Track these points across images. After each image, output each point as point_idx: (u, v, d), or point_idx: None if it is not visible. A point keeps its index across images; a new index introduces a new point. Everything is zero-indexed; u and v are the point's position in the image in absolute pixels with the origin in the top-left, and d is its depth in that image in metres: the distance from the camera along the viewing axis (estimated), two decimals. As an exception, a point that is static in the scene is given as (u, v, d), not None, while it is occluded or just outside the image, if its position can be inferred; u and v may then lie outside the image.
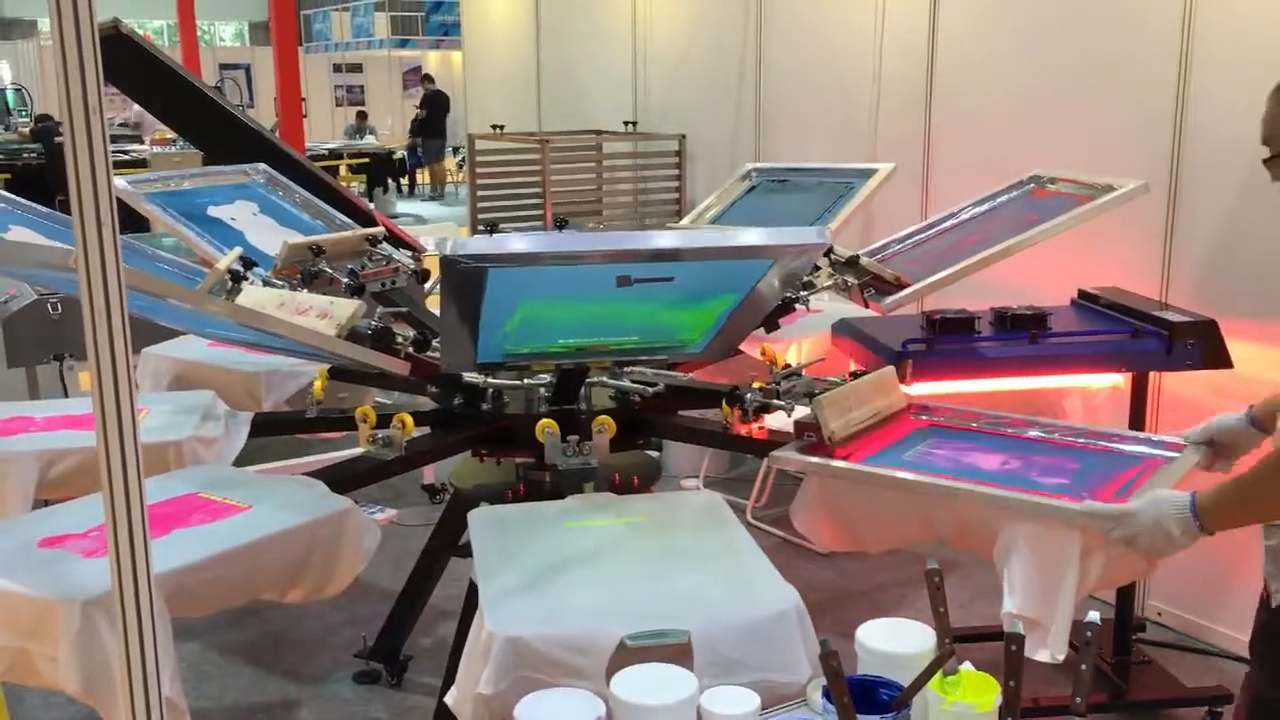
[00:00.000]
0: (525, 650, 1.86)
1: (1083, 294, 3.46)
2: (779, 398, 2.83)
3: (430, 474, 4.96)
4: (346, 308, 2.72)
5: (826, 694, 1.51)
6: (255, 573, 2.32)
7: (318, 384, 3.12)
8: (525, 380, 3.01)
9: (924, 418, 2.82)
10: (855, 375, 2.94)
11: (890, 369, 2.82)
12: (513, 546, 2.23)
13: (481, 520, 2.39)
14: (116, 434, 1.37)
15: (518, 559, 2.17)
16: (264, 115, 13.94)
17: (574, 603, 2.00)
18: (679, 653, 1.82)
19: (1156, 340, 3.03)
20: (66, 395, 4.31)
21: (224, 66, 21.80)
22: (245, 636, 3.79)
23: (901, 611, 3.76)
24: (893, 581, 4.07)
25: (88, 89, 1.28)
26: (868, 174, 3.70)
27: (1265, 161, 2.02)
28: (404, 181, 17.85)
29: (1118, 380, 3.20)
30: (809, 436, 2.63)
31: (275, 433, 3.33)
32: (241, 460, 3.02)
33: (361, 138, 17.47)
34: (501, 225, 5.00)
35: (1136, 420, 3.21)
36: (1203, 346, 2.98)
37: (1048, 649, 2.20)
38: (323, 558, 2.43)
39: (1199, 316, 3.10)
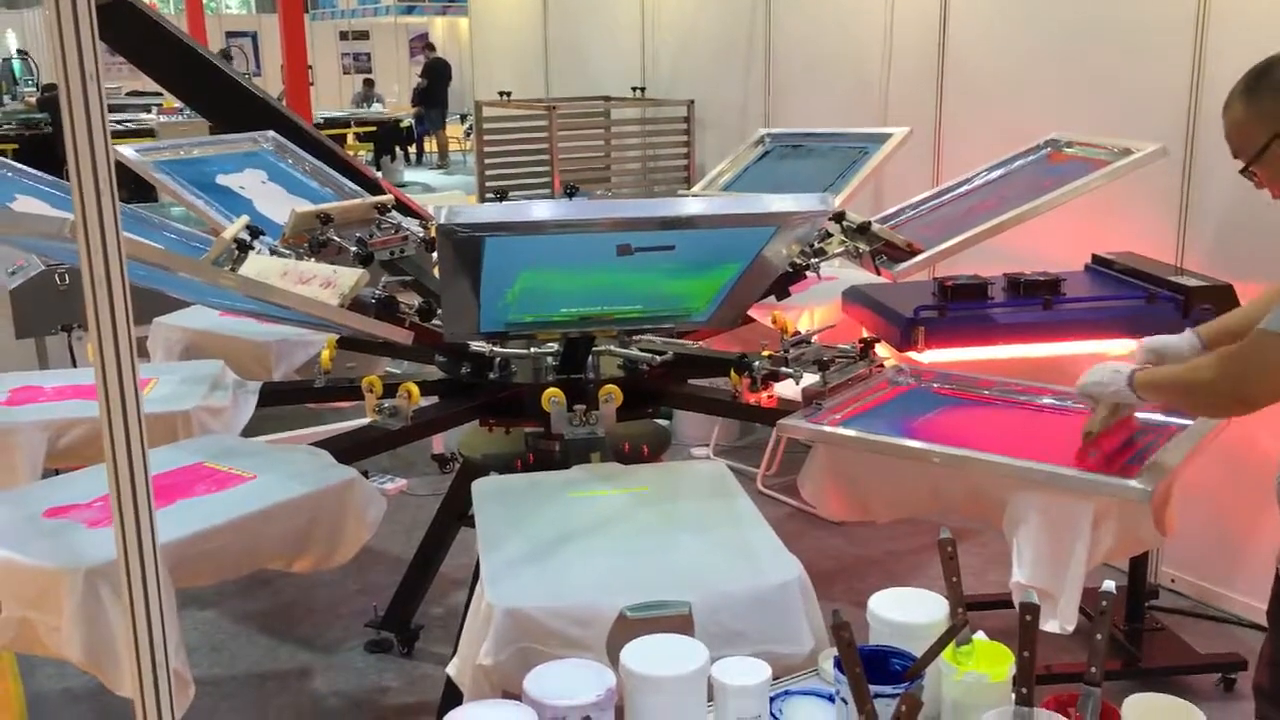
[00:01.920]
0: (525, 621, 1.85)
1: (1096, 259, 3.42)
2: (787, 365, 2.81)
3: (440, 444, 4.96)
4: (350, 277, 2.70)
5: (838, 664, 1.50)
6: (260, 542, 2.32)
7: (325, 354, 3.11)
8: (532, 349, 2.99)
9: (933, 384, 2.80)
10: (865, 343, 2.92)
11: None
12: (515, 517, 2.22)
13: (485, 490, 2.38)
14: (119, 403, 1.36)
15: (520, 530, 2.16)
16: (270, 83, 13.88)
17: (575, 574, 2.00)
18: (680, 624, 1.81)
19: (1171, 305, 3.00)
20: (75, 366, 4.31)
21: (230, 34, 21.66)
22: (258, 605, 3.80)
23: (915, 579, 3.76)
24: (906, 549, 4.06)
25: (84, 56, 1.25)
26: (882, 139, 3.66)
27: (1241, 172, 2.03)
28: (411, 150, 17.77)
29: (1132, 346, 3.17)
30: (817, 404, 2.62)
31: (283, 402, 3.32)
32: (251, 430, 3.02)
33: (369, 106, 17.39)
34: (510, 193, 4.96)
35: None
36: (1218, 311, 2.92)
37: (1057, 619, 2.19)
38: (328, 528, 2.42)
39: (1215, 281, 3.07)
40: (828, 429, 2.50)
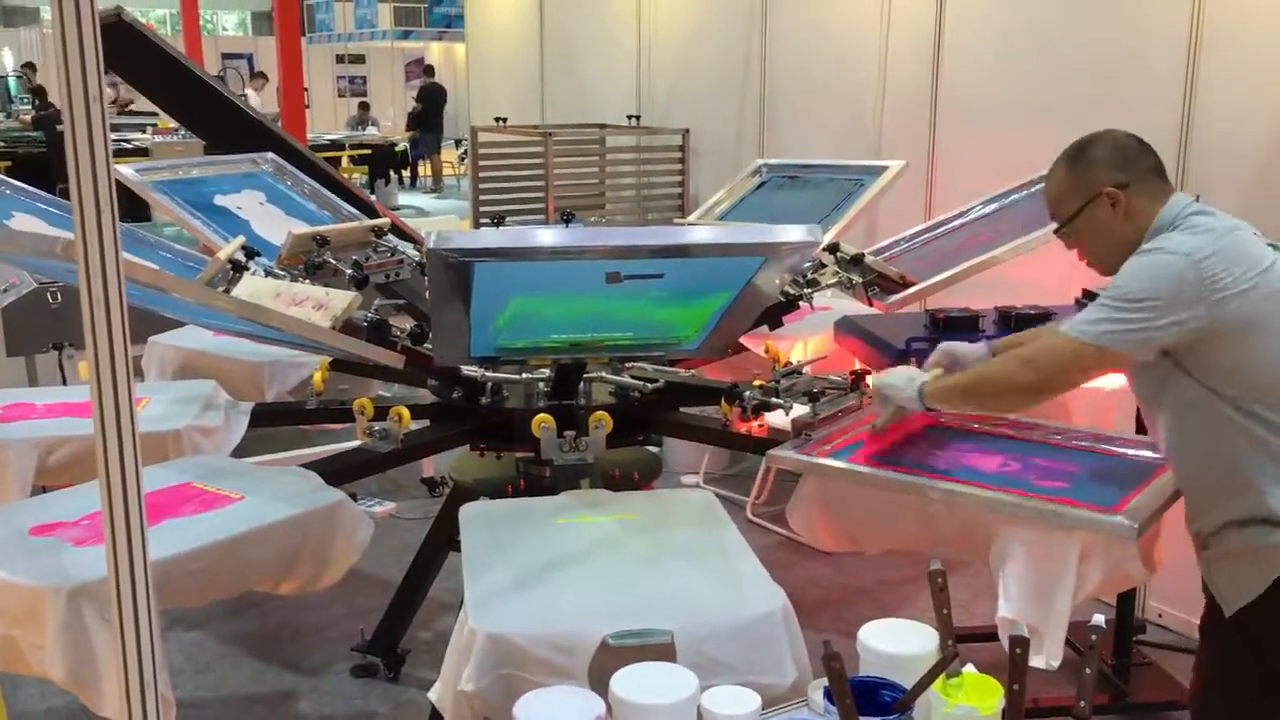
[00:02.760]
0: (507, 647, 1.85)
1: (1087, 293, 3.43)
2: (778, 396, 2.81)
3: (430, 467, 4.95)
4: (342, 299, 2.71)
5: (828, 695, 1.50)
6: (246, 564, 2.32)
7: (318, 375, 3.11)
8: (524, 374, 2.99)
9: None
10: (855, 375, 2.93)
11: None
12: (501, 542, 2.22)
13: (471, 515, 2.38)
14: (114, 423, 1.36)
15: (505, 555, 2.16)
16: (266, 105, 13.92)
17: (559, 601, 2.00)
18: (663, 652, 1.81)
19: (1160, 340, 3.00)
20: (65, 384, 4.30)
21: (226, 56, 21.76)
22: (244, 628, 3.78)
23: (904, 610, 3.75)
24: (895, 579, 4.06)
25: (88, 77, 1.26)
26: (878, 171, 3.68)
27: (1056, 233, 2.22)
28: (405, 174, 17.80)
29: (1123, 380, 3.18)
30: (806, 435, 2.63)
31: (275, 424, 3.32)
32: (243, 451, 3.01)
33: (364, 129, 17.43)
34: (507, 219, 4.97)
35: (1142, 419, 3.19)
36: (1207, 348, 2.96)
37: (1043, 655, 2.19)
38: (315, 550, 2.42)
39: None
40: (816, 460, 2.51)
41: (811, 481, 2.54)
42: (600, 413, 2.67)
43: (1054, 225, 2.46)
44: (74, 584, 1.97)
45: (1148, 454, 2.52)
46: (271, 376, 3.52)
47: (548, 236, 2.48)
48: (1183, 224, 2.06)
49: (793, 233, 2.23)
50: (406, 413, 2.76)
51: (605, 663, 1.78)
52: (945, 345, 2.55)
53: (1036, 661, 2.18)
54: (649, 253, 2.21)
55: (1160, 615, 3.74)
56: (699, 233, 2.51)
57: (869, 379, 2.52)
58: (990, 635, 2.34)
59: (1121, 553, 2.22)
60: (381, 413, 2.77)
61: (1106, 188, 2.11)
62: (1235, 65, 3.41)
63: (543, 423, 2.64)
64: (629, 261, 2.19)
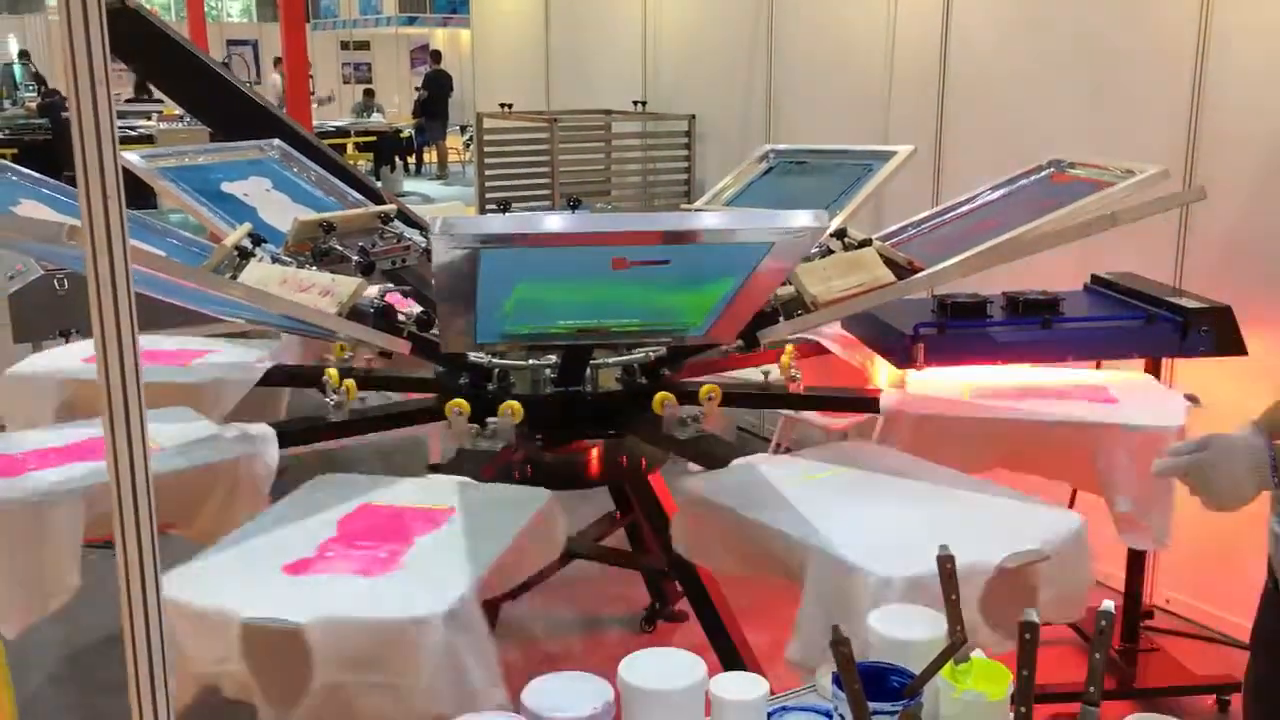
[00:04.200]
0: (173, 614, 1.84)
1: (1095, 279, 3.43)
2: None
3: (437, 454, 4.95)
4: (348, 285, 2.70)
5: (837, 680, 1.50)
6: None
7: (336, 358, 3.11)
8: (531, 360, 2.99)
9: None
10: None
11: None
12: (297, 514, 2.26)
13: (313, 484, 2.44)
14: (122, 411, 1.35)
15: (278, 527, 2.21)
16: (270, 91, 13.90)
17: (262, 578, 2.00)
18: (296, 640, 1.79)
19: (1170, 326, 3.01)
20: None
21: (231, 42, 21.76)
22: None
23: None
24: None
25: (94, 63, 1.25)
26: (886, 156, 3.66)
27: None
28: (411, 160, 17.79)
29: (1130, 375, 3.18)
30: (798, 313, 2.72)
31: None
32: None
33: (369, 116, 17.42)
34: (512, 205, 4.96)
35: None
36: (1217, 333, 2.95)
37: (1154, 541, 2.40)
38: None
39: (1214, 302, 3.07)
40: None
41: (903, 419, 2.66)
42: (510, 403, 2.70)
43: (1065, 209, 2.44)
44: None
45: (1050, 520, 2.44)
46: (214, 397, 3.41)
47: (554, 222, 2.47)
48: None
49: (801, 218, 2.22)
50: (353, 384, 2.81)
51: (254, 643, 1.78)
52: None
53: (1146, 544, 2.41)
54: (656, 238, 2.20)
55: (1168, 601, 3.74)
56: (707, 218, 2.49)
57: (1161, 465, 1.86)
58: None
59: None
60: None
61: None
62: (1245, 53, 3.39)
63: (455, 407, 2.68)
64: (636, 247, 2.18)
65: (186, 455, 2.47)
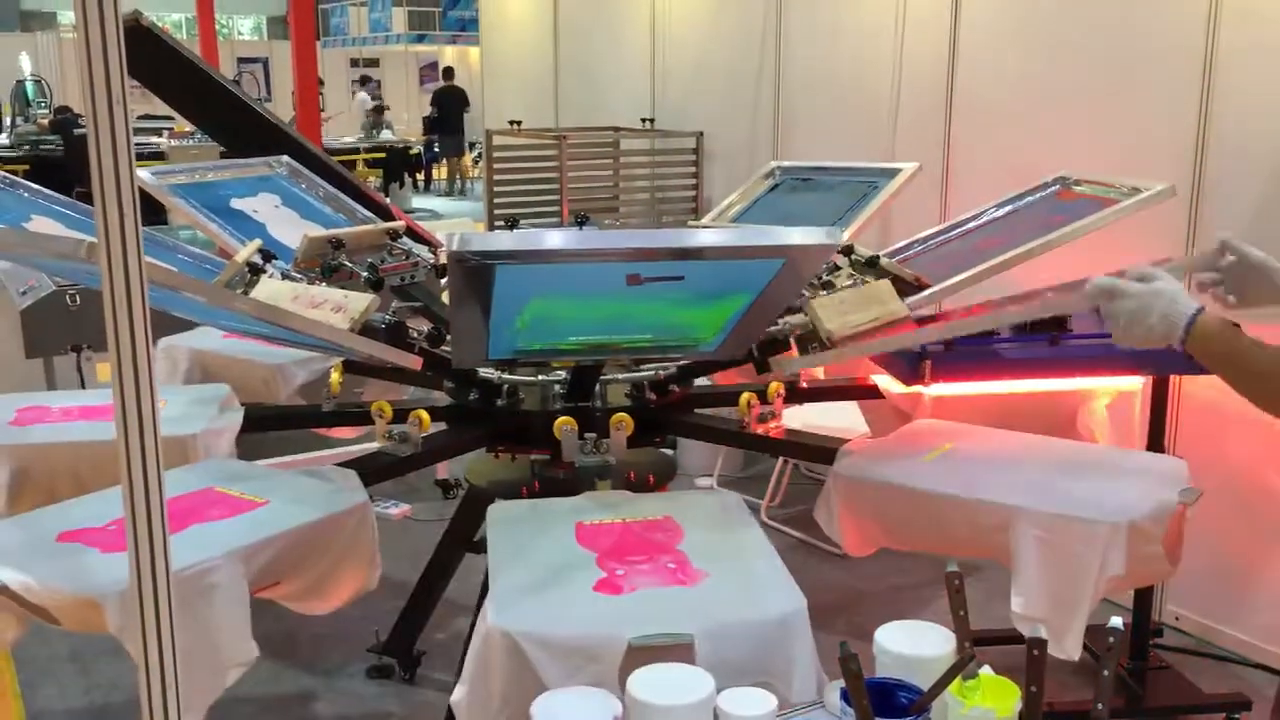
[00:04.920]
0: (528, 648, 1.86)
1: (1103, 296, 3.43)
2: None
3: (444, 469, 4.96)
4: (360, 301, 2.72)
5: (845, 696, 1.50)
6: (270, 570, 2.34)
7: (334, 378, 3.12)
8: (541, 376, 3.00)
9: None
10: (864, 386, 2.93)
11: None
12: (526, 542, 2.23)
13: (498, 516, 2.39)
14: (137, 426, 1.37)
15: (529, 556, 2.17)
16: (281, 109, 13.98)
17: (583, 601, 2.00)
18: (682, 654, 1.81)
19: (1177, 343, 3.00)
20: (84, 386, 4.33)
21: (242, 60, 21.86)
22: (260, 629, 3.77)
23: (917, 613, 3.74)
24: (908, 583, 4.06)
25: (111, 81, 1.27)
26: (892, 173, 3.68)
27: None
28: (420, 176, 17.86)
29: (1136, 385, 3.18)
30: (813, 347, 2.64)
31: (291, 427, 3.33)
32: (258, 453, 3.02)
33: (378, 132, 17.49)
34: (520, 222, 4.99)
35: (1156, 424, 3.19)
36: (1224, 350, 2.95)
37: (1061, 647, 2.20)
38: (337, 555, 2.44)
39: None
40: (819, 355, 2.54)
41: (839, 483, 2.56)
42: (621, 414, 2.68)
43: (1071, 226, 2.43)
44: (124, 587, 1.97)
45: (1168, 465, 2.52)
46: (284, 377, 3.54)
47: (568, 239, 2.49)
48: None
49: (814, 235, 2.24)
50: (426, 416, 2.78)
51: (634, 665, 1.78)
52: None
53: (1055, 651, 2.18)
54: (671, 255, 2.22)
55: (1177, 619, 3.73)
56: (721, 235, 2.52)
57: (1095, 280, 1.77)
58: (1007, 638, 2.34)
59: (1144, 550, 2.22)
60: (400, 415, 2.78)
61: None
62: (1252, 67, 3.39)
63: (564, 425, 2.65)
64: (650, 264, 2.20)
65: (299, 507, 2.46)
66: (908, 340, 2.76)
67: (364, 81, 20.02)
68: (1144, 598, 3.31)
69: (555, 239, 2.61)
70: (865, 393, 3.27)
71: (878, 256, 3.16)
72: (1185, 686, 3.28)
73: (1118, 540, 2.22)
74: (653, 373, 3.01)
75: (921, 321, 2.83)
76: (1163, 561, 2.29)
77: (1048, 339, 3.04)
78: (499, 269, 2.12)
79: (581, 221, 3.75)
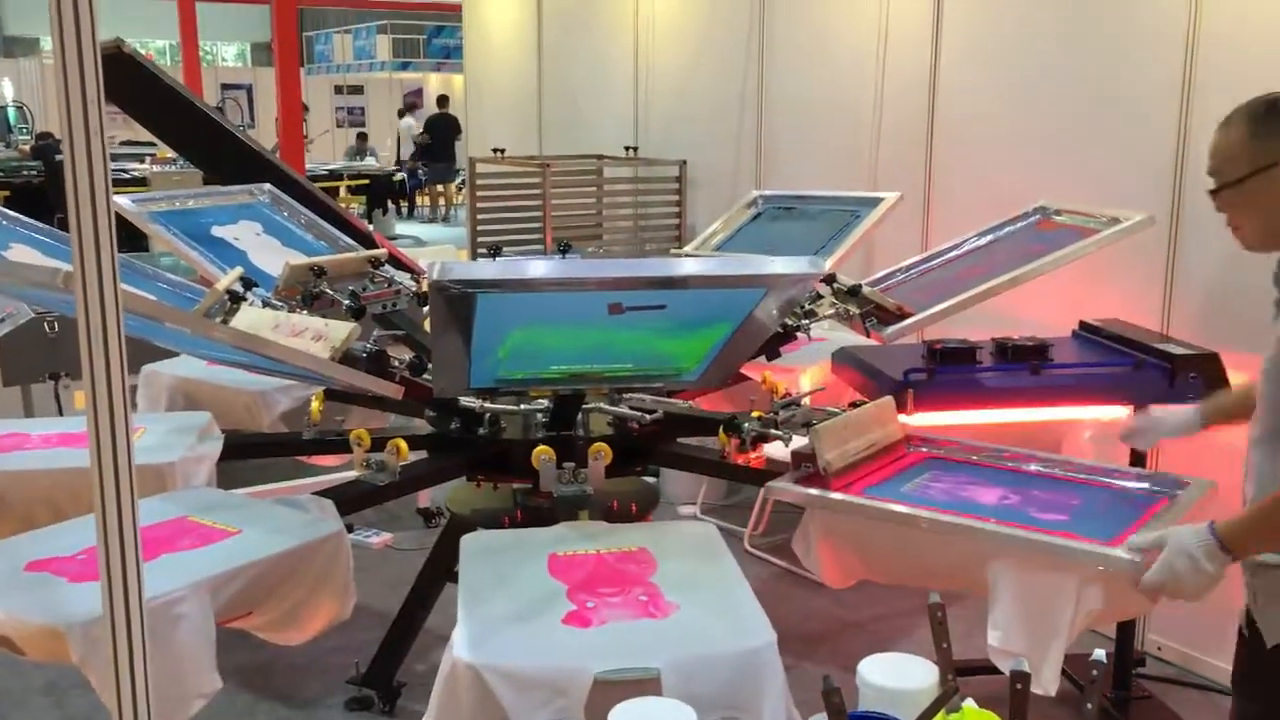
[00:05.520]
0: (496, 681, 1.84)
1: (1084, 325, 3.44)
2: (777, 427, 2.81)
3: (425, 498, 4.93)
4: (341, 330, 2.71)
5: (827, 730, 1.49)
6: (242, 600, 2.31)
7: (315, 405, 3.11)
8: (522, 405, 2.99)
9: (923, 449, 2.81)
10: (855, 406, 2.93)
11: (889, 400, 2.80)
12: (499, 574, 2.21)
13: (472, 546, 2.37)
14: (111, 455, 1.36)
15: (502, 587, 2.15)
16: (265, 136, 13.99)
17: (551, 634, 1.98)
18: (650, 688, 1.80)
19: (1158, 372, 3.02)
20: (61, 414, 4.29)
21: (225, 86, 21.89)
22: (236, 660, 3.74)
23: (901, 643, 3.74)
24: (892, 613, 4.04)
25: (89, 109, 1.27)
26: (873, 203, 3.70)
27: (1211, 193, 2.01)
28: (403, 203, 17.87)
29: (1119, 414, 3.18)
30: (806, 467, 2.62)
31: (271, 454, 3.31)
32: (236, 481, 3.00)
33: (362, 159, 17.50)
34: (503, 249, 4.99)
35: (1138, 454, 3.19)
36: (1205, 379, 2.96)
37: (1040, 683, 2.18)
38: (312, 586, 2.42)
39: (1201, 349, 3.08)
40: (815, 493, 2.51)
41: (817, 516, 2.54)
42: (600, 444, 2.66)
43: (1051, 256, 2.43)
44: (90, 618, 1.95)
45: (1147, 485, 2.52)
46: (267, 404, 3.52)
47: (551, 268, 2.49)
48: None
49: (796, 264, 2.24)
50: (404, 445, 2.76)
51: (600, 699, 1.77)
52: (1156, 411, 2.44)
53: (1032, 685, 2.16)
54: (653, 284, 2.22)
55: (1160, 648, 3.72)
56: (702, 264, 2.52)
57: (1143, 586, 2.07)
58: (988, 669, 2.33)
59: (1122, 586, 2.21)
60: (379, 444, 2.77)
61: None
62: (1229, 98, 3.42)
63: (542, 454, 2.64)
64: (632, 293, 2.20)
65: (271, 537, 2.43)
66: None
67: (411, 109, 20.07)
68: (1126, 628, 3.30)
69: (537, 268, 2.61)
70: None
71: (860, 285, 3.17)
72: (1168, 716, 3.28)
73: (1095, 576, 2.21)
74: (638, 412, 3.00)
75: (910, 438, 2.82)
76: (1139, 596, 2.28)
77: (1029, 368, 3.05)
78: (480, 298, 2.12)
79: (564, 250, 3.76)
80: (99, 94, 1.25)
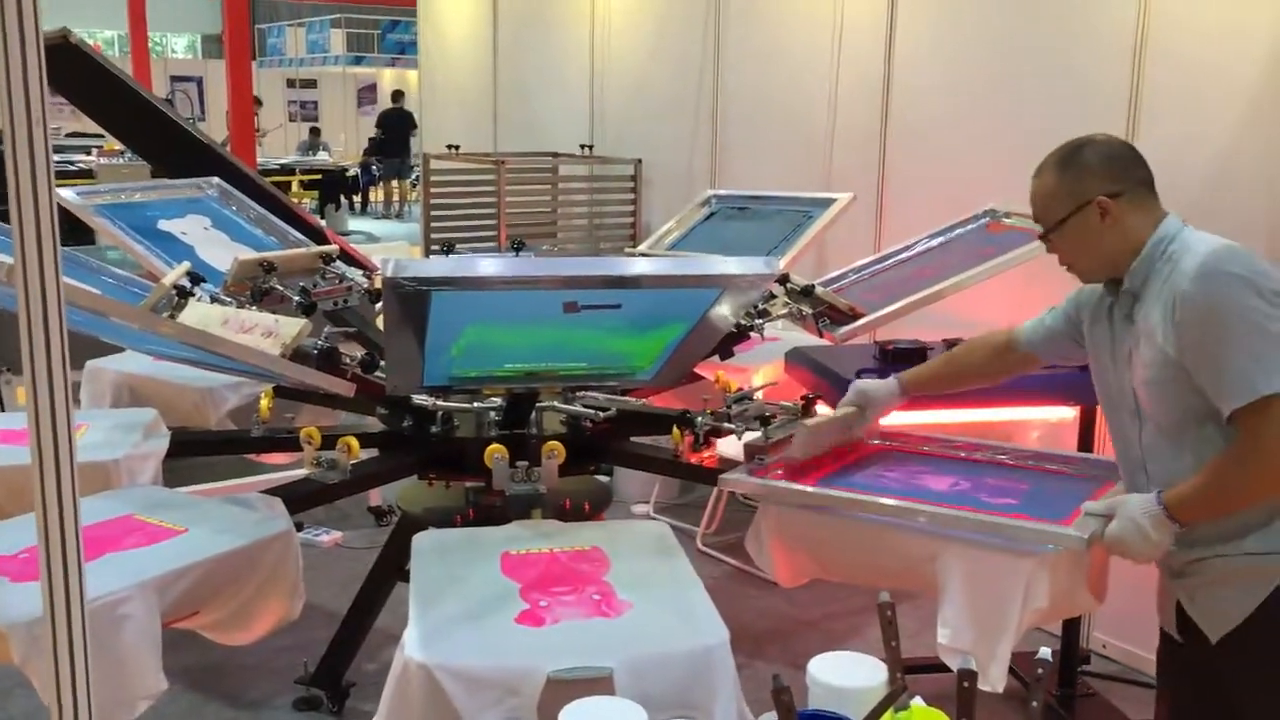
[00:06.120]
0: (447, 681, 1.83)
1: (1032, 326, 3.48)
2: (730, 421, 2.82)
3: (377, 496, 4.89)
4: (292, 327, 2.68)
5: (777, 729, 1.49)
6: (189, 600, 2.28)
7: (264, 403, 3.07)
8: (475, 404, 2.97)
9: (874, 442, 2.83)
10: (806, 400, 2.94)
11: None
12: (450, 573, 2.20)
13: (424, 545, 2.36)
14: (52, 452, 1.33)
15: (452, 586, 2.14)
16: (216, 129, 13.81)
17: (503, 633, 1.98)
18: (602, 687, 1.80)
19: (1103, 373, 3.05)
20: (3, 409, 4.21)
21: (175, 79, 21.56)
22: (181, 660, 3.68)
23: (852, 642, 3.76)
24: (844, 611, 4.07)
25: (31, 99, 1.24)
26: (826, 203, 3.72)
27: (1040, 238, 2.15)
28: (356, 199, 17.72)
29: (1067, 414, 3.23)
30: (759, 459, 2.64)
31: (219, 452, 3.27)
32: (184, 478, 2.96)
33: (315, 154, 17.33)
34: (457, 246, 4.96)
35: (1085, 451, 3.23)
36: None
37: (987, 679, 2.20)
38: (259, 585, 2.39)
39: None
40: (767, 482, 2.52)
41: (769, 514, 2.54)
42: (553, 442, 2.66)
43: (1001, 258, 2.49)
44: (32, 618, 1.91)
45: (1094, 469, 2.56)
46: (215, 401, 3.47)
47: (506, 266, 2.48)
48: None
49: (751, 265, 2.25)
50: (355, 443, 2.73)
51: (552, 698, 1.76)
52: (858, 384, 2.54)
53: (980, 682, 2.18)
54: (608, 283, 2.22)
55: (1104, 646, 3.78)
56: (658, 264, 2.52)
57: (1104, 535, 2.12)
58: (938, 666, 2.35)
59: (1069, 581, 2.24)
60: (330, 441, 2.74)
61: (1098, 196, 2.03)
62: (1174, 105, 3.48)
63: (495, 453, 2.63)
64: (587, 291, 2.19)
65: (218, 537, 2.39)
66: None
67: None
68: (1071, 626, 3.35)
69: (492, 266, 2.59)
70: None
71: (813, 286, 3.19)
72: (1113, 714, 3.32)
73: (1041, 573, 2.23)
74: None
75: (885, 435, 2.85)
76: (1086, 594, 2.31)
77: (979, 369, 3.07)
78: (435, 295, 2.11)
79: (518, 247, 3.74)
80: (42, 84, 1.23)
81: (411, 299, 2.12)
